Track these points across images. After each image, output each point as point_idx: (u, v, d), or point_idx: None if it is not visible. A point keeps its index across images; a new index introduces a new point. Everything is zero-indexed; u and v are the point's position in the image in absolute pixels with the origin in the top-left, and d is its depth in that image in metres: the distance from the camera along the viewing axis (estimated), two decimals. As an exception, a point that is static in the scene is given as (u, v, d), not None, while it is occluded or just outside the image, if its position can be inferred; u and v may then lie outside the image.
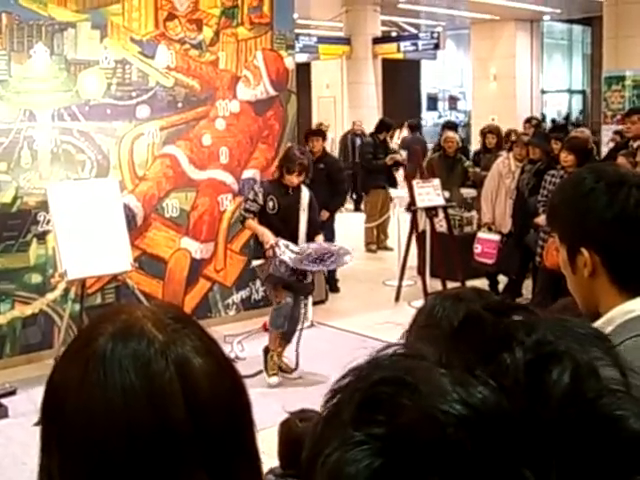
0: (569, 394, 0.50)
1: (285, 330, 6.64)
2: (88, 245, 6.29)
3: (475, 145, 15.37)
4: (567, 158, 7.44)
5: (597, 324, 1.77)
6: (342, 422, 0.52)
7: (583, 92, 27.69)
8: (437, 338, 0.57)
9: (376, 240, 12.54)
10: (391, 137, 14.10)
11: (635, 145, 7.84)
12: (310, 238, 6.74)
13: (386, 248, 12.31)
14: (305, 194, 6.83)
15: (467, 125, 20.08)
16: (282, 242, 6.42)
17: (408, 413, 0.49)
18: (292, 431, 3.29)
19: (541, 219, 7.54)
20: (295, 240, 6.57)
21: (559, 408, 0.49)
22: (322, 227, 8.83)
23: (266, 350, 6.70)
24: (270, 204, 6.58)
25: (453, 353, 0.54)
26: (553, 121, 19.80)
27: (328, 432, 0.53)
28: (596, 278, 1.77)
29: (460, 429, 0.48)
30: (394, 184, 12.18)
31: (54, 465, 0.98)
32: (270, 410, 5.79)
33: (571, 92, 27.89)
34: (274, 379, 6.59)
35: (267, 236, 6.45)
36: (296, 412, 3.58)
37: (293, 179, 6.60)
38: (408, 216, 9.38)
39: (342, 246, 6.94)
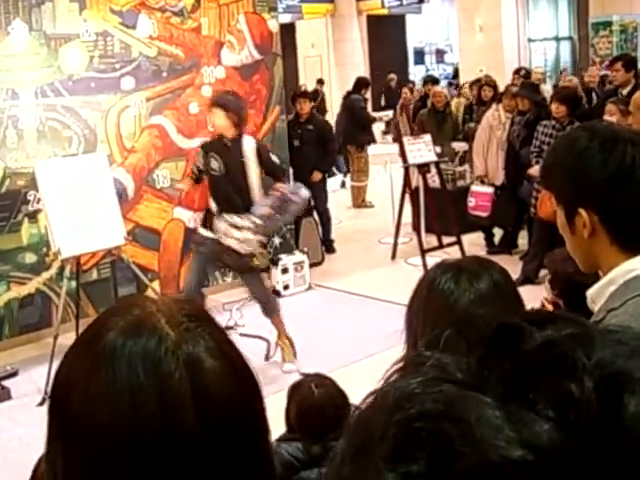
0: None
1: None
2: (80, 221, 6.24)
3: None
4: (559, 109, 7.41)
5: (600, 284, 1.76)
6: (374, 463, 0.44)
7: (570, 39, 27.49)
8: (463, 348, 0.48)
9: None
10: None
11: (625, 92, 7.76)
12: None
13: (366, 206, 12.49)
14: (248, 142, 6.04)
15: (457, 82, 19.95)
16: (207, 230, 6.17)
17: (460, 457, 0.41)
18: (307, 399, 3.14)
19: (534, 170, 7.50)
20: (250, 202, 5.95)
21: None
22: (314, 189, 8.77)
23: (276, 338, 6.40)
24: (214, 164, 6.01)
25: (491, 374, 0.45)
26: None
27: (357, 471, 0.46)
28: (595, 238, 1.75)
29: (523, 477, 0.40)
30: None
31: (58, 458, 0.96)
32: (274, 376, 5.81)
33: (558, 39, 27.67)
34: (292, 366, 6.18)
35: None
36: (310, 375, 3.43)
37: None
38: (400, 172, 9.32)
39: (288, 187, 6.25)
